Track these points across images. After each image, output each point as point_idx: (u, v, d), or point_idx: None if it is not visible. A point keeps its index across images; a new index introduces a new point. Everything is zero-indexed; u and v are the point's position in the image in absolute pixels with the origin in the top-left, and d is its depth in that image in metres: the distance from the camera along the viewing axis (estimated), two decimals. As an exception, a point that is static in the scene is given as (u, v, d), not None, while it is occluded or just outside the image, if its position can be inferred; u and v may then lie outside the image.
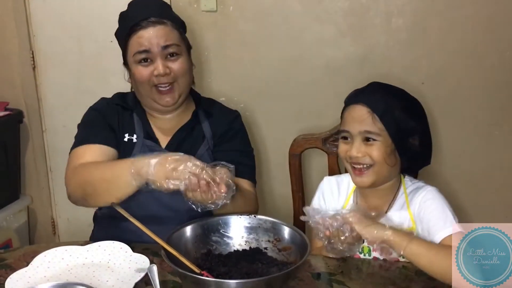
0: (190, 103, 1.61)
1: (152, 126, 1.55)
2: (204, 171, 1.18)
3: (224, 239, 1.28)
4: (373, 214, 1.20)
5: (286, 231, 1.25)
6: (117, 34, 1.57)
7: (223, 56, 2.15)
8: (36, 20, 2.26)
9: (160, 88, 1.47)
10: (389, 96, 1.29)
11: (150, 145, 1.51)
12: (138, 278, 1.14)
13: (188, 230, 1.25)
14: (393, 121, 1.25)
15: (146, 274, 1.11)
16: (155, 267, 1.06)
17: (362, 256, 1.32)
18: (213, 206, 1.22)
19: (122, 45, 1.52)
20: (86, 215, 1.71)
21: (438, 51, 2.00)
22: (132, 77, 1.52)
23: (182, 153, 1.25)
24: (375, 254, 1.29)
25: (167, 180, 1.20)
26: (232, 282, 1.04)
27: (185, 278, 1.08)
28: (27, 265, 1.21)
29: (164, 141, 1.54)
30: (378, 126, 1.25)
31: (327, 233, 1.15)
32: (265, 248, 1.26)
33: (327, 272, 1.20)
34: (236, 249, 1.26)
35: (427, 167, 2.01)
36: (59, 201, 2.46)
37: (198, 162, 1.20)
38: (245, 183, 1.50)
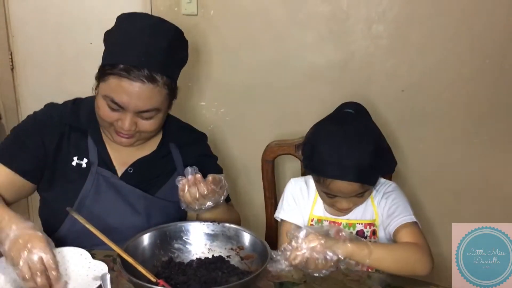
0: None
1: (108, 149, 1.42)
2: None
3: (187, 246, 1.25)
4: (331, 231, 1.17)
5: (249, 239, 1.23)
6: (106, 39, 1.37)
7: (204, 61, 2.12)
8: (15, 21, 2.23)
9: (120, 132, 1.33)
10: (363, 153, 1.27)
11: (105, 175, 1.39)
12: (94, 287, 1.11)
13: (149, 236, 1.22)
14: (372, 176, 1.33)
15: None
16: (108, 276, 1.03)
17: None
18: (210, 203, 1.22)
19: (102, 62, 1.33)
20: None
21: (418, 58, 1.99)
22: (96, 101, 1.34)
23: (45, 239, 1.12)
24: None
25: (11, 264, 1.10)
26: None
27: (140, 287, 1.04)
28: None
29: (121, 168, 1.42)
30: (365, 187, 1.32)
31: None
32: (228, 256, 1.24)
33: (290, 282, 1.17)
34: (198, 257, 1.24)
35: (405, 176, 2.02)
36: (36, 205, 2.42)
37: (45, 256, 1.09)
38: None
